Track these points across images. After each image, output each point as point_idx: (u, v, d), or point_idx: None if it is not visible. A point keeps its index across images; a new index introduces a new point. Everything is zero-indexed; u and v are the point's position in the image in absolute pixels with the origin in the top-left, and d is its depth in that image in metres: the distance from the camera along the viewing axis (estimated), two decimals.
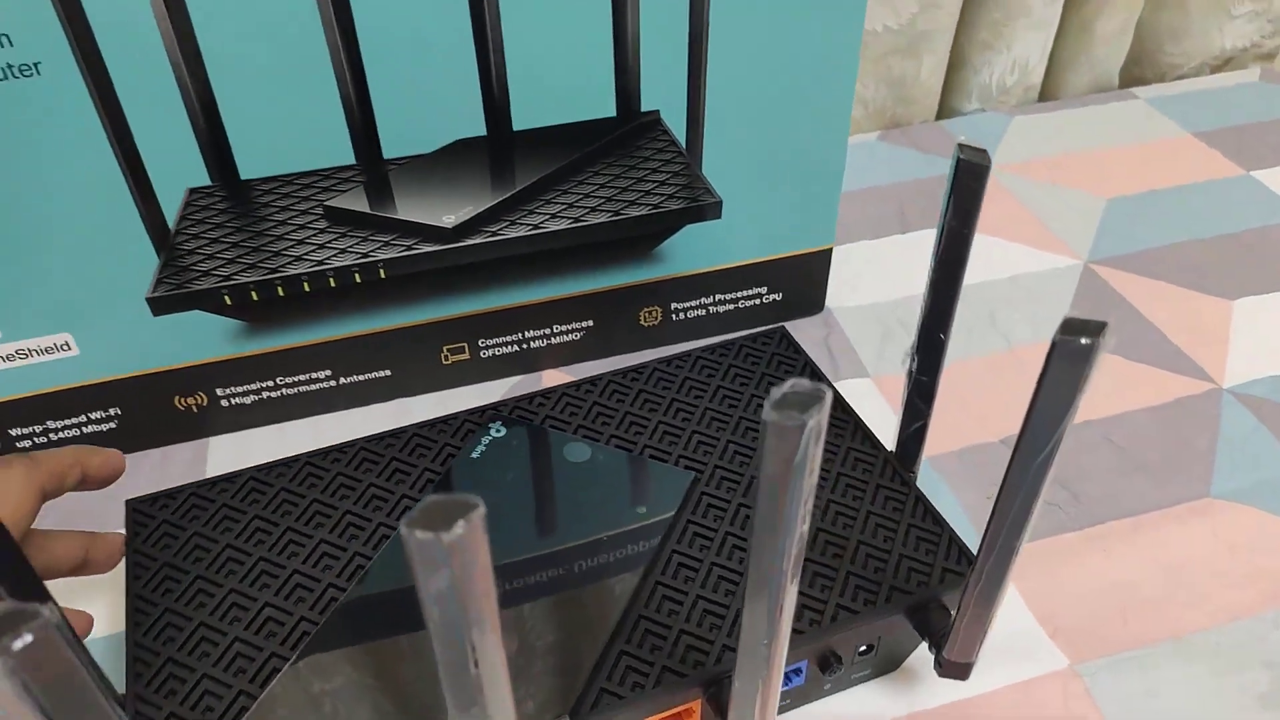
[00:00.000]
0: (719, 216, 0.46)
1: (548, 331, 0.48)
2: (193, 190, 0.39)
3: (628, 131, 0.43)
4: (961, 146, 0.31)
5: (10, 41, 0.33)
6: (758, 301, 0.51)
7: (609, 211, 0.44)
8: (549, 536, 0.35)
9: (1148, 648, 0.37)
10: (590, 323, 0.49)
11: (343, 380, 0.46)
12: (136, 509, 0.36)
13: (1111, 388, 0.48)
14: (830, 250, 0.50)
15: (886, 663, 0.36)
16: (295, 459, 0.38)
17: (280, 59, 0.37)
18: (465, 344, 0.47)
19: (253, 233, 0.41)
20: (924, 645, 0.36)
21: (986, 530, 0.29)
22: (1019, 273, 0.56)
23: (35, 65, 0.34)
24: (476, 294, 0.46)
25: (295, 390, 0.46)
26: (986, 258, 0.56)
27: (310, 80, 0.37)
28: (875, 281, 0.55)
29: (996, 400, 0.47)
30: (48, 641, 0.18)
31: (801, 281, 0.51)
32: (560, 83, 0.41)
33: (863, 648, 0.34)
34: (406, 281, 0.43)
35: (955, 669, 0.33)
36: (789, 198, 0.47)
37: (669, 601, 0.33)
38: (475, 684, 0.23)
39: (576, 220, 0.44)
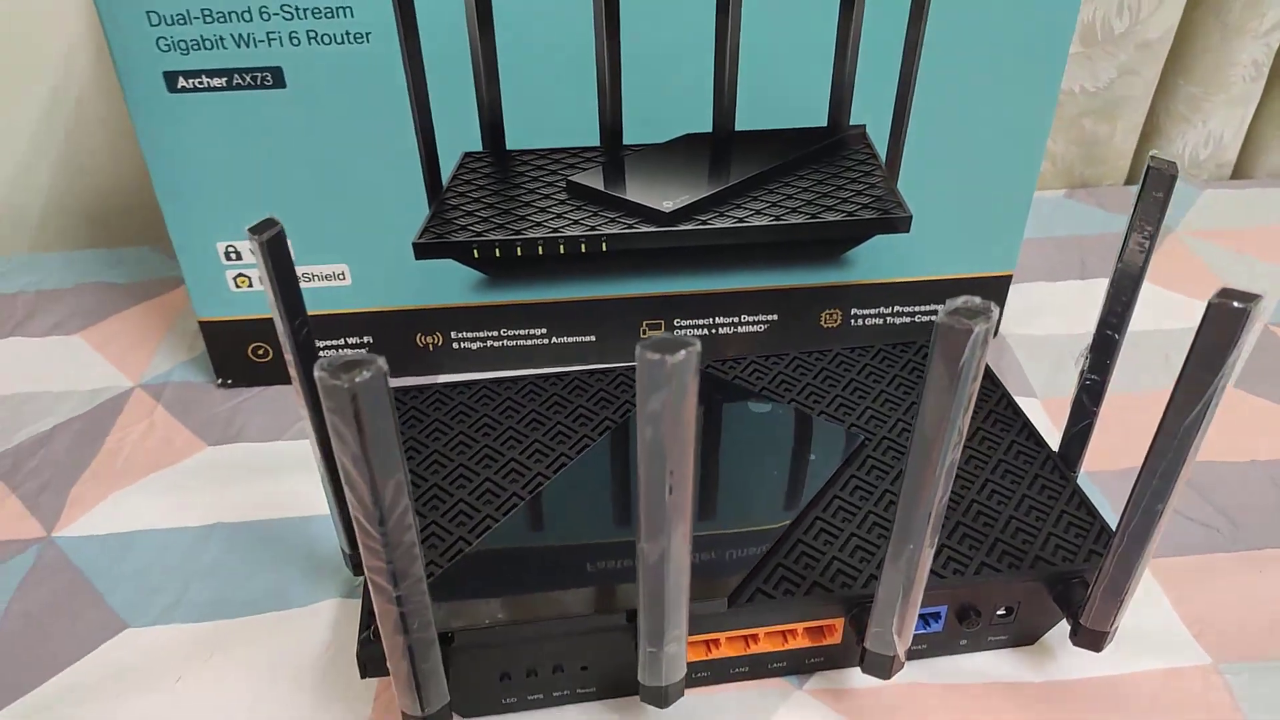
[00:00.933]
0: (908, 230, 0.51)
1: (735, 320, 0.53)
2: (467, 154, 0.47)
3: (835, 142, 0.48)
4: (1153, 156, 0.35)
5: (352, 13, 0.42)
6: (934, 318, 0.54)
7: (807, 214, 0.49)
8: (728, 461, 0.40)
9: None
10: (775, 317, 0.53)
11: (554, 340, 0.53)
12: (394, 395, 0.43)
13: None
14: (1009, 277, 0.54)
15: (1023, 634, 0.38)
16: (523, 377, 0.44)
17: (554, 50, 0.44)
18: (662, 321, 0.53)
19: (507, 197, 0.48)
20: (1061, 626, 0.38)
21: (1132, 492, 0.32)
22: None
23: (367, 34, 0.43)
24: (680, 276, 0.51)
25: (515, 343, 0.53)
26: (1165, 309, 0.58)
27: (574, 70, 0.45)
28: (1051, 317, 0.58)
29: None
30: (378, 383, 0.24)
31: None
32: (781, 91, 0.46)
33: (1002, 610, 0.37)
34: (623, 256, 0.50)
35: (1090, 637, 0.35)
36: (976, 221, 0.51)
37: (825, 534, 0.37)
38: (667, 511, 0.28)
39: (777, 219, 0.49)
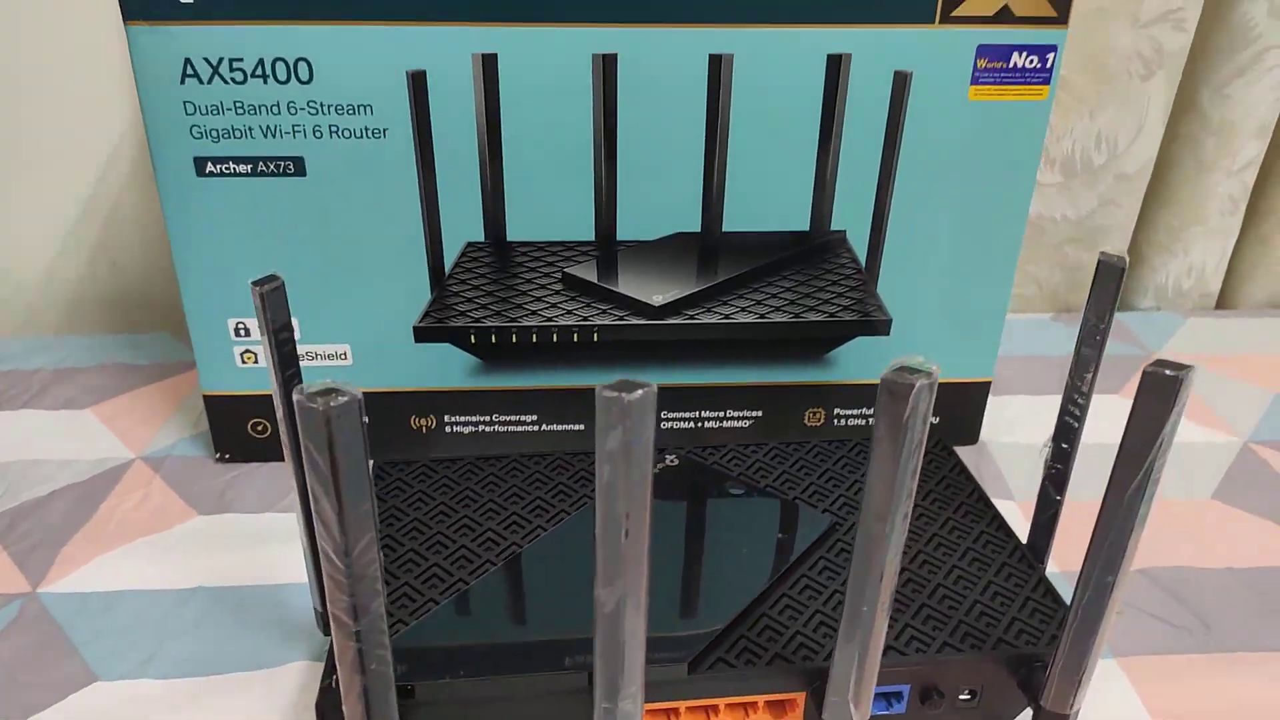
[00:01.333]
0: (887, 333, 0.53)
1: (721, 415, 0.55)
2: (470, 244, 0.49)
3: (817, 246, 0.51)
4: (1103, 253, 0.37)
5: (372, 110, 0.46)
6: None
7: (790, 313, 0.51)
8: (699, 537, 0.41)
9: None
10: (760, 413, 0.55)
11: (544, 427, 0.55)
12: (381, 466, 0.44)
13: (1261, 544, 0.49)
14: (989, 383, 0.55)
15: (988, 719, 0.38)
16: (507, 455, 0.46)
17: (554, 150, 0.48)
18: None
19: (505, 286, 0.51)
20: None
21: (1083, 567, 0.32)
22: (1178, 440, 0.58)
23: (384, 130, 0.46)
24: (668, 368, 0.53)
25: (506, 428, 0.54)
26: None
27: (571, 170, 0.48)
28: (1031, 427, 0.59)
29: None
30: (352, 409, 0.25)
31: (959, 408, 0.56)
32: (766, 196, 0.49)
33: (965, 694, 0.37)
34: (614, 347, 0.52)
35: None
36: (954, 328, 0.53)
37: (791, 610, 0.37)
38: (622, 554, 0.28)
39: (761, 316, 0.51)
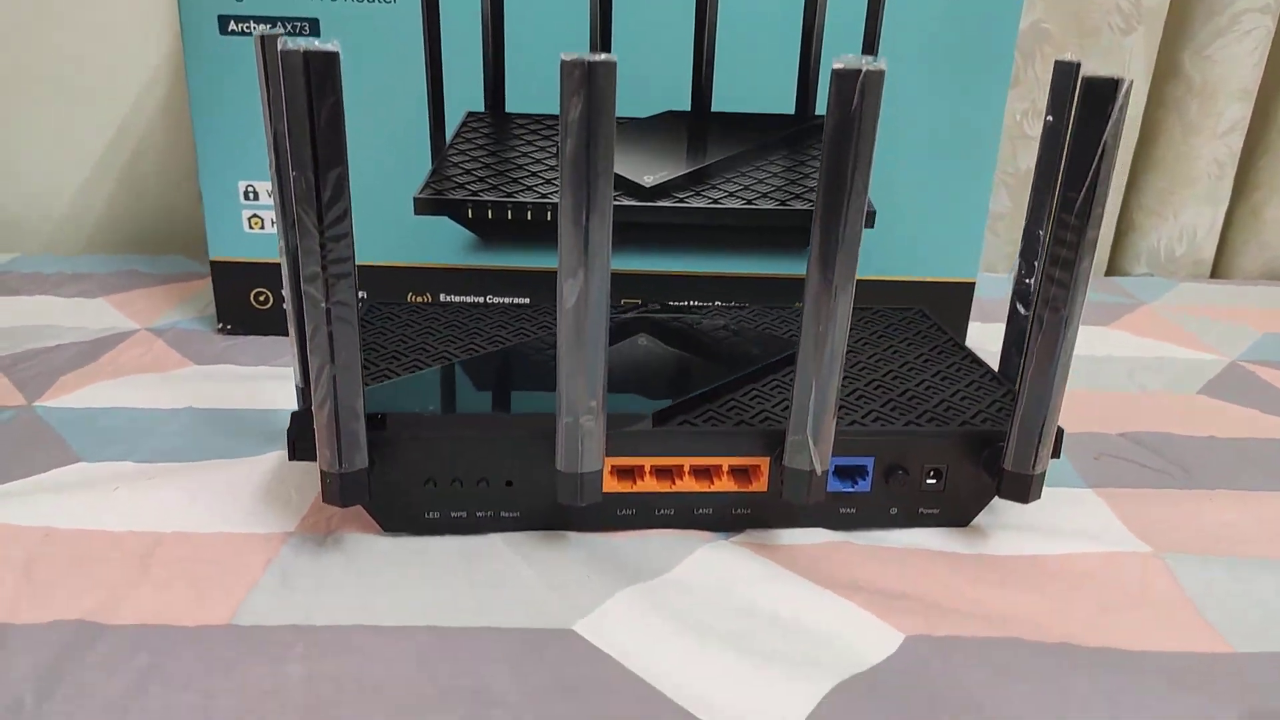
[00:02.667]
0: (871, 226, 0.54)
1: (707, 306, 0.56)
2: (471, 113, 0.52)
3: (804, 129, 0.53)
4: (1058, 61, 0.39)
5: None
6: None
7: (776, 200, 0.53)
8: (674, 339, 0.42)
9: (1237, 558, 0.36)
10: (746, 306, 0.56)
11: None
12: (372, 307, 0.46)
13: (1245, 421, 0.49)
14: (973, 284, 0.56)
15: (955, 511, 0.38)
16: (494, 304, 0.48)
17: (552, 22, 0.51)
18: (640, 300, 0.56)
19: (504, 159, 0.53)
20: (995, 516, 0.38)
21: (1036, 291, 0.33)
22: (1164, 356, 0.58)
23: None
24: (657, 254, 0.55)
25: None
26: (1135, 348, 0.60)
27: (569, 42, 0.51)
28: None
29: (1122, 412, 0.49)
30: (332, 58, 0.27)
31: (943, 311, 0.57)
32: (752, 76, 0.52)
33: (931, 476, 0.37)
34: None
35: (1014, 484, 0.35)
36: (938, 226, 0.55)
37: (760, 398, 0.38)
38: (587, 238, 0.30)
39: (748, 203, 0.53)
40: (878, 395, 0.39)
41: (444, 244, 0.54)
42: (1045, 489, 0.41)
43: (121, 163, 0.73)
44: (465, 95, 0.52)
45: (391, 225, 0.54)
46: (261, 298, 0.55)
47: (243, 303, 0.55)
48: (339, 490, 0.33)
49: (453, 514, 0.36)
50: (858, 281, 0.30)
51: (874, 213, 0.54)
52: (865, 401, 0.38)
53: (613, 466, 0.36)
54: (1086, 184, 0.31)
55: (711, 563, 0.35)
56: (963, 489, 0.37)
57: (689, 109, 0.52)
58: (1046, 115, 0.39)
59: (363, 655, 0.30)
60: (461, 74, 0.51)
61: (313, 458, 0.33)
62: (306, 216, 0.30)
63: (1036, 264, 0.40)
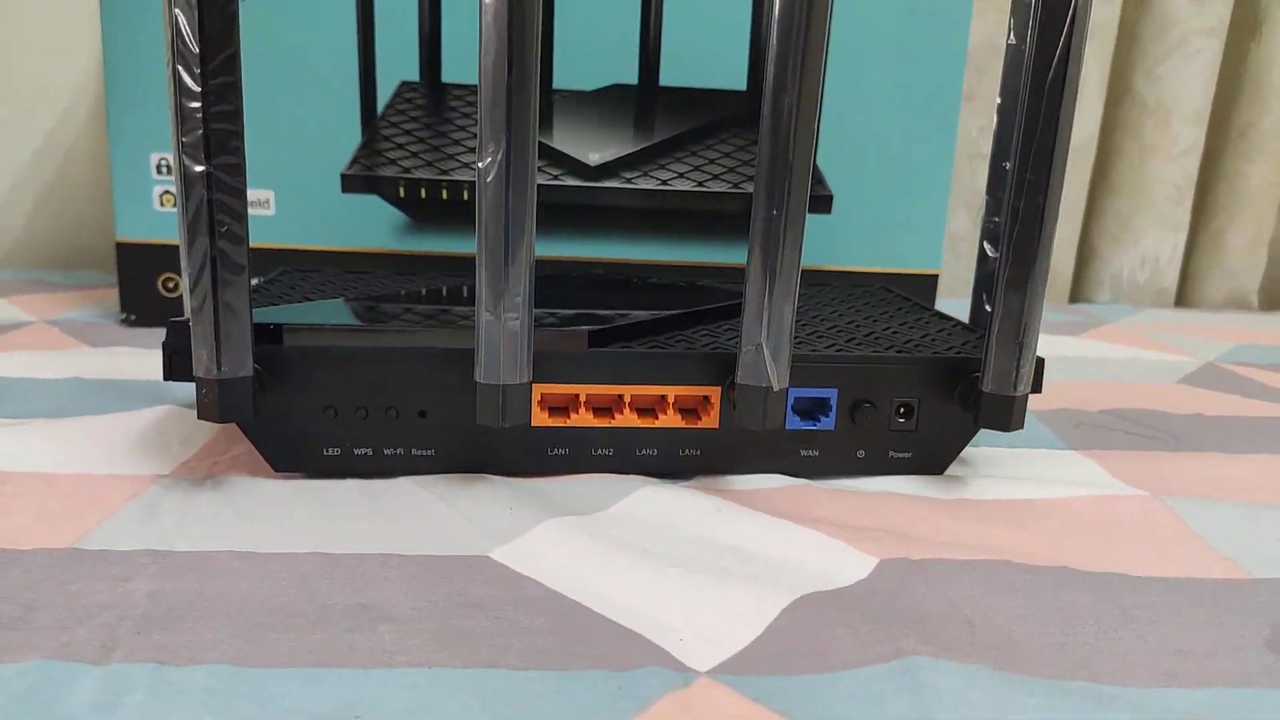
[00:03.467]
0: (828, 211, 0.52)
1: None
2: (405, 83, 0.49)
3: (756, 107, 0.51)
4: None
5: None
6: None
7: (729, 182, 0.50)
8: (619, 290, 0.38)
9: (1244, 502, 0.33)
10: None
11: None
12: (286, 270, 0.42)
13: (1228, 405, 0.46)
14: (935, 276, 0.53)
15: (928, 455, 0.33)
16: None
17: None
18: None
19: (439, 133, 0.50)
20: (971, 465, 0.34)
21: (1011, 181, 0.30)
22: (1138, 358, 0.56)
23: None
24: (600, 240, 0.52)
25: None
26: (1108, 351, 0.57)
27: None
28: None
29: (1101, 394, 0.46)
30: None
31: None
32: (702, 50, 0.50)
33: (900, 412, 0.33)
34: (545, 210, 0.50)
35: (995, 409, 0.31)
36: (898, 215, 0.52)
37: (708, 336, 0.34)
38: (508, 104, 0.26)
39: (699, 184, 0.50)
40: (839, 336, 0.35)
41: (373, 226, 0.51)
42: (1024, 449, 0.38)
43: (44, 177, 0.69)
44: (399, 64, 0.49)
45: (314, 204, 0.50)
46: (171, 284, 0.51)
47: (150, 290, 0.51)
48: (217, 401, 0.28)
49: (356, 451, 0.31)
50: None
51: (830, 197, 0.51)
52: (826, 339, 0.34)
53: (543, 396, 0.31)
54: (1056, 61, 0.28)
55: (656, 499, 0.30)
56: (937, 429, 0.33)
57: (636, 83, 0.50)
58: (1008, 38, 0.37)
59: (230, 575, 0.25)
60: (395, 40, 0.49)
61: (190, 378, 0.29)
62: (185, 70, 0.26)
63: (1004, 195, 0.38)
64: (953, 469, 0.34)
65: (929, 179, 0.52)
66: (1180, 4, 0.68)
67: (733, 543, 0.27)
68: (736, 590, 0.24)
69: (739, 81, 0.51)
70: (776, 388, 0.29)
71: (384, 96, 0.49)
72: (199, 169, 0.26)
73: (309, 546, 0.26)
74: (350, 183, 0.49)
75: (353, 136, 0.49)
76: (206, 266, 0.27)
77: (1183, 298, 0.76)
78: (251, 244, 0.50)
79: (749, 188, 0.50)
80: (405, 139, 0.50)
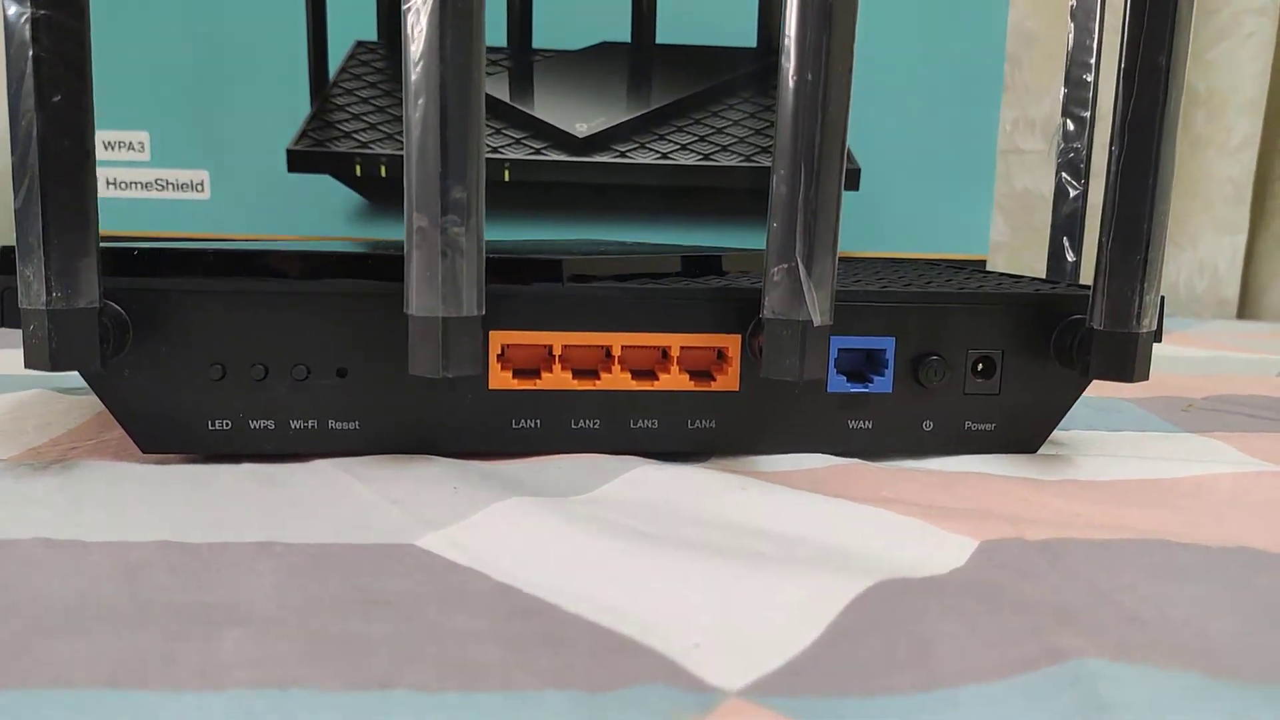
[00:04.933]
0: (856, 187, 0.44)
1: None
2: (360, 43, 0.43)
3: (769, 66, 0.44)
4: None
5: None
6: None
7: (739, 154, 0.43)
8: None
9: None
10: None
11: None
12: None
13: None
14: (984, 261, 0.46)
15: (1018, 429, 0.25)
16: None
17: None
18: None
19: (400, 101, 0.43)
20: (1070, 436, 0.26)
21: (1116, 108, 0.23)
22: (1221, 357, 0.48)
23: None
24: (589, 223, 0.44)
25: None
26: (1186, 354, 0.49)
27: None
28: None
29: (1198, 385, 0.39)
30: None
31: None
32: (703, 1, 0.43)
33: (979, 363, 0.25)
34: (529, 190, 0.43)
35: (1112, 352, 0.23)
36: (940, 199, 0.45)
37: (726, 286, 0.27)
38: None
39: (705, 157, 0.43)
40: (894, 280, 0.27)
41: (324, 211, 0.44)
42: (1128, 433, 0.30)
43: None
44: (354, 21, 0.42)
45: (256, 186, 0.43)
46: None
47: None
48: (47, 339, 0.20)
49: (252, 424, 0.23)
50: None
51: (857, 170, 0.44)
52: (878, 282, 0.27)
53: (504, 348, 0.23)
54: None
55: (657, 479, 0.22)
56: (1027, 391, 0.25)
57: (629, 40, 0.43)
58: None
59: (26, 565, 0.17)
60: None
61: (18, 323, 0.21)
62: None
63: (1086, 113, 0.30)
64: (1046, 448, 0.26)
65: (973, 147, 0.45)
66: None
67: (763, 524, 0.19)
68: (777, 578, 0.16)
69: (747, 38, 0.44)
70: (818, 322, 0.22)
71: (336, 59, 0.43)
72: (19, 7, 0.19)
73: (156, 535, 0.18)
74: (298, 160, 0.42)
75: (301, 106, 0.43)
76: (33, 146, 0.19)
77: (1245, 308, 0.68)
78: (183, 234, 0.43)
79: (763, 160, 0.43)
80: (362, 108, 0.43)
